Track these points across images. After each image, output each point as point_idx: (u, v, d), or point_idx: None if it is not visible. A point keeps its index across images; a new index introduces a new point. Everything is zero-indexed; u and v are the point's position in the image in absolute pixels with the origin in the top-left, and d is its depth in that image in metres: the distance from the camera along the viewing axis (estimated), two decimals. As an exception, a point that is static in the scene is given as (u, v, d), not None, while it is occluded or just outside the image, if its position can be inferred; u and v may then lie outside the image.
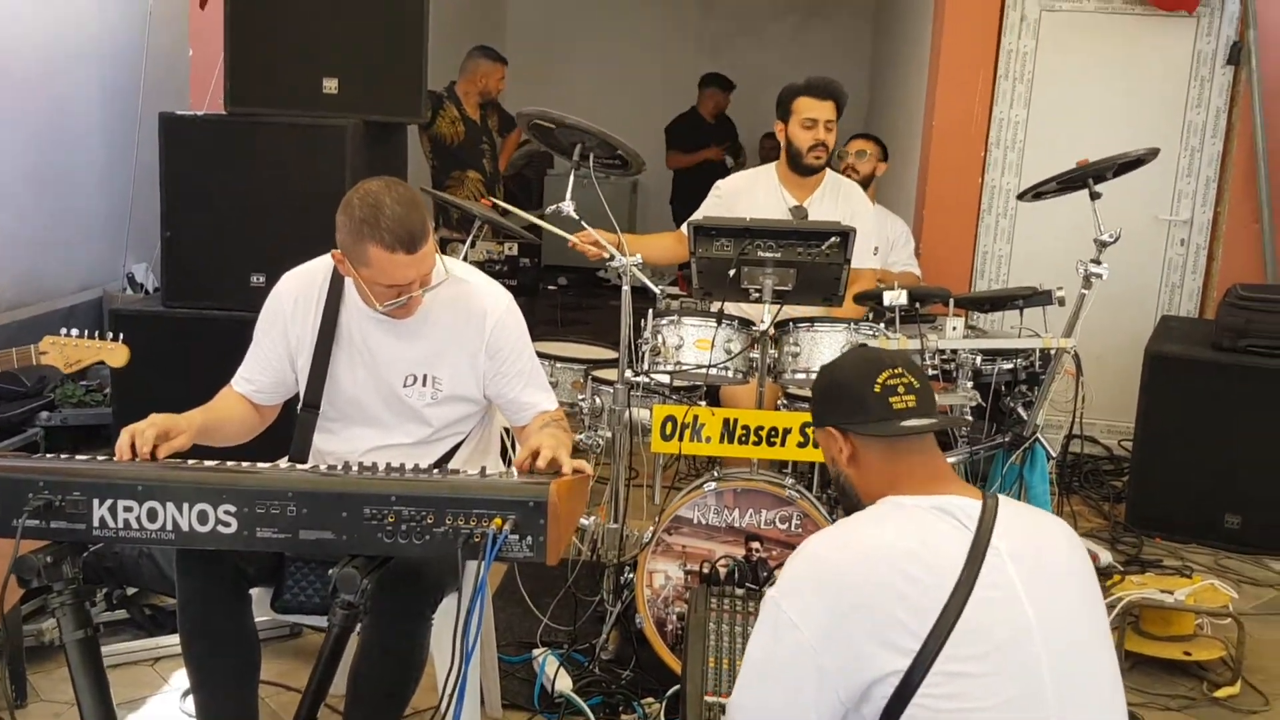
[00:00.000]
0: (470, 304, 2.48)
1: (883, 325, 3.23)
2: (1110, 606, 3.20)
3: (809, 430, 2.95)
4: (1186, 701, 3.18)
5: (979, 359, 3.34)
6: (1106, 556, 3.98)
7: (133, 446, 2.11)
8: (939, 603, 1.58)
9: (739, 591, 2.63)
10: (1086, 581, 1.74)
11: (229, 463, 2.07)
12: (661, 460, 3.46)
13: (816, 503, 3.02)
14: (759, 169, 4.10)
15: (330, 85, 3.63)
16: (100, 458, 2.11)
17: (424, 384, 2.47)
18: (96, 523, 1.94)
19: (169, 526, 1.94)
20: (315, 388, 2.49)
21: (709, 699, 2.31)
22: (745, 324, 3.14)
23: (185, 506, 1.93)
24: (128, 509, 1.93)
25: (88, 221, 5.41)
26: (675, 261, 3.94)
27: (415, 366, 2.47)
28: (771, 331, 3.09)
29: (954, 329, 3.28)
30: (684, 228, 3.19)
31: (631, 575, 3.06)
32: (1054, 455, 3.58)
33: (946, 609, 1.57)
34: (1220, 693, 3.20)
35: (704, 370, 3.07)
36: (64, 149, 5.19)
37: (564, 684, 2.90)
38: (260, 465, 2.08)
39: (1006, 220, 5.44)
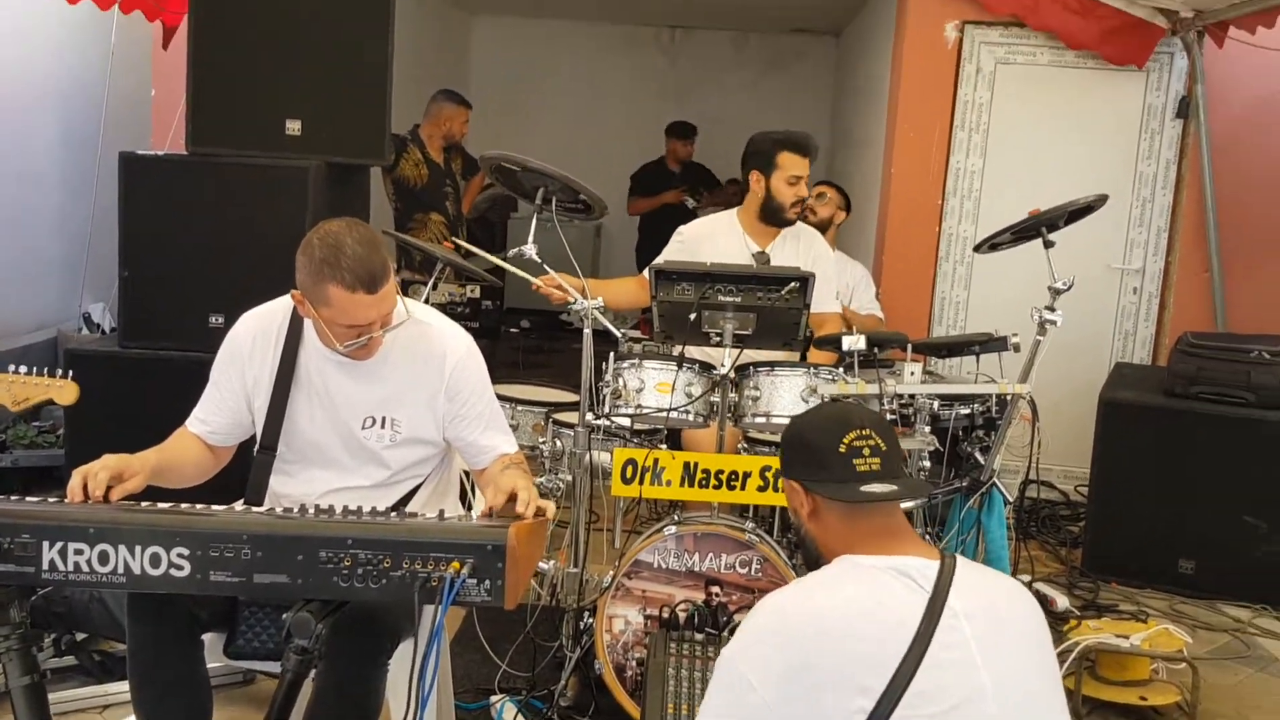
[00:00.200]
0: (430, 346, 2.48)
1: (842, 370, 3.26)
2: (1067, 651, 3.22)
3: (769, 474, 2.96)
4: (1142, 746, 3.20)
5: (937, 404, 3.37)
6: (1063, 601, 4.01)
7: (85, 488, 2.08)
8: (893, 664, 1.58)
9: (699, 637, 2.62)
10: (1041, 637, 1.75)
11: (183, 505, 2.05)
12: (622, 504, 3.46)
13: (777, 547, 3.02)
14: (721, 214, 4.13)
15: (293, 126, 3.63)
16: (51, 499, 2.08)
17: (383, 426, 2.46)
18: (46, 565, 1.91)
19: (120, 569, 1.91)
20: (272, 429, 2.47)
21: (668, 745, 2.30)
22: (706, 368, 3.16)
23: (138, 549, 1.90)
24: (78, 551, 1.90)
25: (44, 261, 5.35)
26: (637, 306, 3.95)
27: (374, 408, 2.46)
28: (732, 375, 3.10)
29: (912, 374, 3.31)
30: (646, 272, 3.20)
31: (591, 620, 3.04)
32: (1011, 500, 3.61)
33: (900, 670, 1.58)
34: (1176, 737, 3.23)
35: (665, 414, 3.08)
36: (22, 187, 5.15)
37: (522, 731, 2.87)
38: (215, 508, 2.06)
39: (964, 267, 5.52)
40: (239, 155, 3.62)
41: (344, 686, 2.17)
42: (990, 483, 3.48)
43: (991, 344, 3.50)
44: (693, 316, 3.06)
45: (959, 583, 1.67)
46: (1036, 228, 3.43)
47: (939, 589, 1.66)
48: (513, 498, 2.14)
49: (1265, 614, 4.17)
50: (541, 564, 3.24)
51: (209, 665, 2.32)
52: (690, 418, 3.12)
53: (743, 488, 2.98)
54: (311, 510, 2.05)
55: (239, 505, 2.40)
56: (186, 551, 1.90)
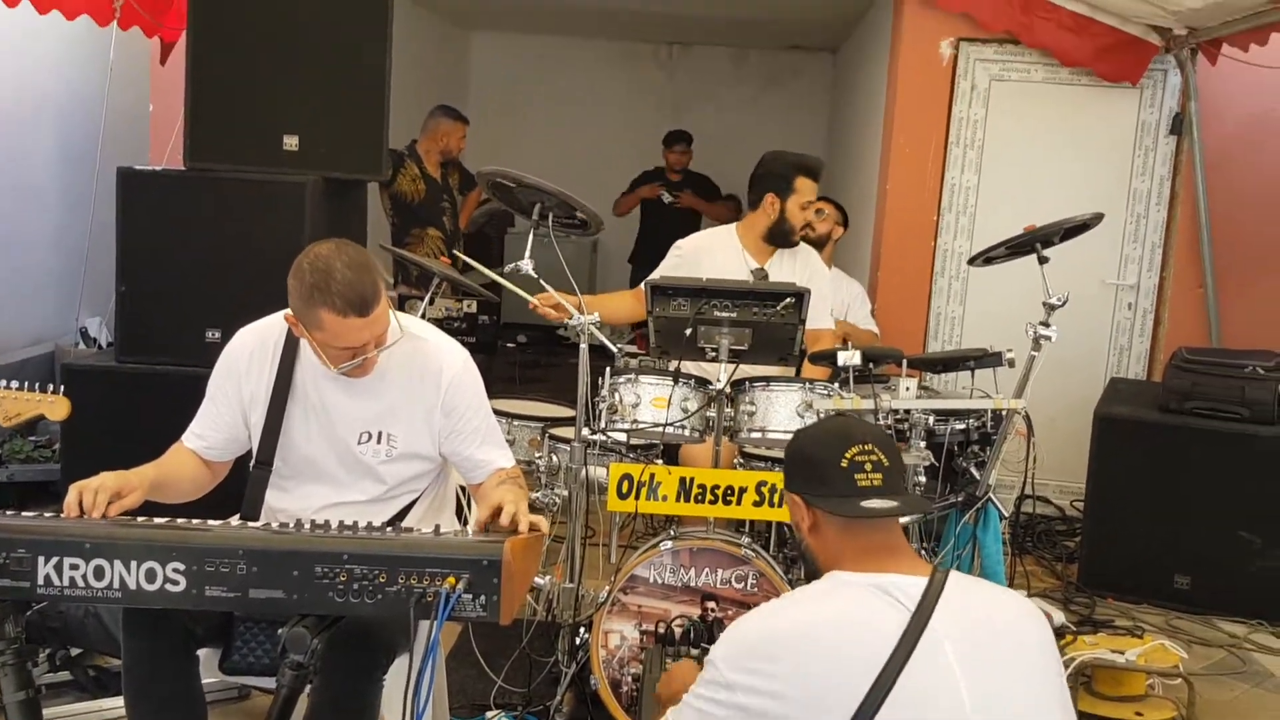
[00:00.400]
0: (426, 361, 2.48)
1: (837, 385, 3.26)
2: (1063, 666, 3.22)
3: (764, 489, 2.96)
4: (1139, 762, 3.20)
5: (932, 419, 3.38)
6: (1059, 617, 4.01)
7: (81, 503, 2.08)
8: (866, 682, 1.58)
9: (694, 652, 2.62)
10: (1041, 656, 1.71)
11: (179, 520, 2.05)
12: (618, 519, 3.46)
13: (772, 562, 3.03)
14: (719, 229, 4.14)
15: (291, 142, 3.64)
16: (47, 514, 2.08)
17: (379, 441, 2.46)
18: (42, 580, 1.91)
19: (116, 584, 1.91)
20: (268, 444, 2.47)
21: (663, 761, 2.30)
22: (702, 383, 3.17)
23: (133, 564, 1.90)
24: (74, 566, 1.91)
25: (41, 275, 5.36)
26: (635, 319, 3.96)
27: (370, 423, 2.46)
28: (728, 390, 3.11)
29: (907, 389, 3.32)
30: (642, 286, 3.22)
31: (587, 635, 3.04)
32: (1006, 515, 3.61)
33: (873, 689, 1.57)
34: (1172, 753, 3.22)
35: (660, 429, 3.08)
36: (20, 202, 5.15)
37: (517, 746, 2.87)
38: (211, 522, 2.06)
39: (959, 283, 5.54)
40: (237, 170, 3.63)
41: (339, 702, 2.17)
42: (986, 498, 3.49)
43: (986, 359, 3.51)
44: (688, 332, 3.07)
45: (947, 600, 1.66)
46: (1031, 243, 3.44)
47: (922, 608, 1.65)
48: (497, 513, 2.14)
49: (1261, 629, 4.17)
50: (537, 579, 3.23)
51: (204, 680, 2.31)
52: (686, 433, 3.13)
53: (738, 503, 2.99)
54: (307, 525, 2.05)
55: (235, 520, 2.40)
56: (182, 566, 1.90)
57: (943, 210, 5.49)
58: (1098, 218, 3.48)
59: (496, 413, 2.64)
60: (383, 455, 2.47)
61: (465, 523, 2.83)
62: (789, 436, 3.03)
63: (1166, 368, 4.62)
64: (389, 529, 2.16)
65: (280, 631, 1.98)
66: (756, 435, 3.14)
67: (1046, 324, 3.37)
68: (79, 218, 5.34)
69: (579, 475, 3.15)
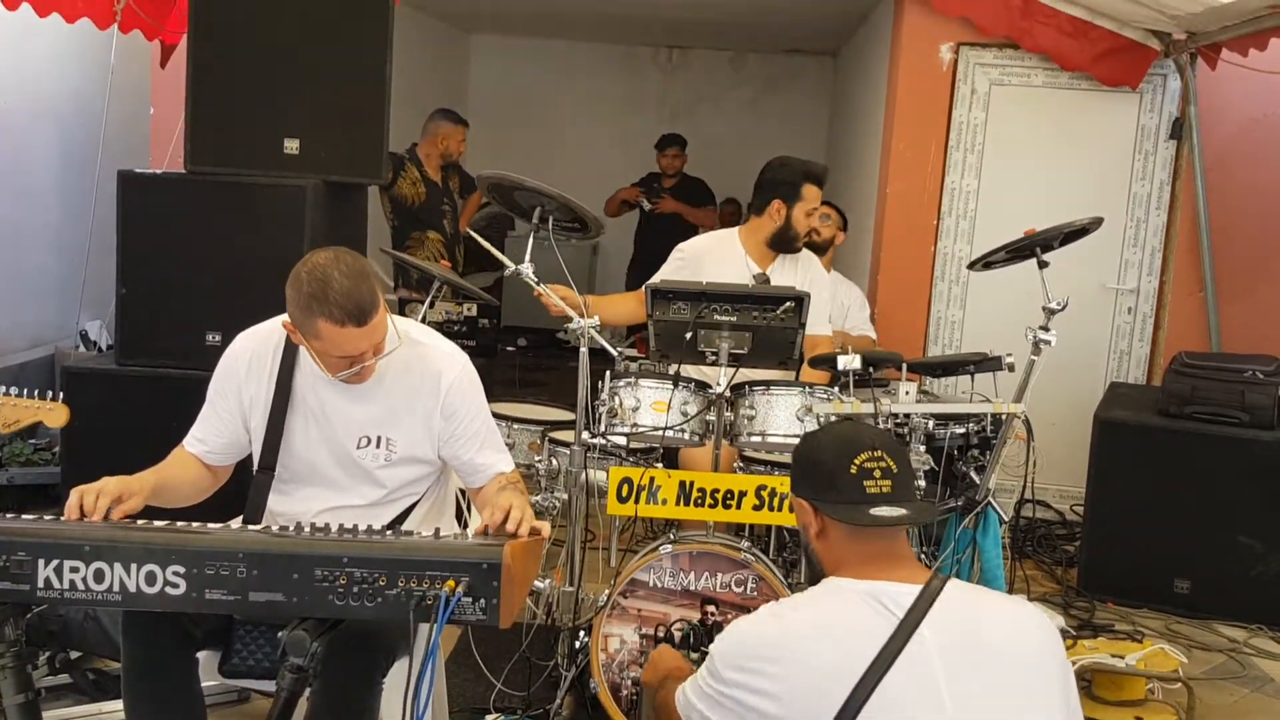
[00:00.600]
0: (425, 366, 2.48)
1: (837, 389, 3.27)
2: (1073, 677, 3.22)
3: (764, 493, 2.96)
4: (1138, 766, 3.20)
5: (932, 423, 3.38)
6: (1059, 621, 4.01)
7: (82, 506, 2.08)
8: (845, 689, 1.59)
9: (694, 656, 2.62)
10: (1042, 665, 1.69)
11: (178, 523, 2.05)
12: (618, 523, 3.46)
13: (772, 566, 3.03)
14: (722, 233, 4.14)
15: (291, 145, 3.64)
16: (48, 517, 2.08)
17: (378, 445, 2.46)
18: (41, 583, 1.91)
19: (116, 587, 1.91)
20: (270, 449, 2.47)
21: (663, 765, 2.29)
22: (702, 386, 3.17)
23: (133, 567, 1.90)
24: (74, 569, 1.90)
25: (42, 278, 5.36)
26: (636, 321, 3.95)
27: (369, 428, 2.46)
28: (728, 394, 3.11)
29: (907, 393, 3.32)
30: (643, 290, 3.22)
31: (586, 639, 3.04)
32: (1006, 519, 3.61)
33: (852, 695, 1.58)
34: (1171, 757, 3.22)
35: (660, 432, 3.08)
36: (20, 205, 5.16)
37: (517, 750, 2.87)
38: (210, 525, 2.06)
39: (959, 287, 5.54)
40: (237, 174, 3.63)
41: (339, 705, 2.17)
42: (985, 502, 3.49)
43: (986, 363, 3.51)
44: (689, 335, 3.07)
45: (940, 608, 1.66)
46: (1031, 248, 3.45)
47: (910, 615, 1.64)
48: (506, 515, 2.14)
49: (1261, 634, 4.17)
50: (537, 583, 3.23)
51: (204, 683, 2.32)
52: (686, 436, 3.13)
53: (738, 507, 2.99)
54: (307, 529, 2.05)
55: (236, 523, 2.40)
56: (182, 569, 1.90)
57: (943, 214, 5.49)
58: (1097, 222, 3.48)
59: (496, 416, 2.64)
60: (382, 460, 2.47)
61: (465, 526, 2.83)
62: (789, 440, 3.05)
63: (1166, 372, 4.63)
64: (389, 532, 2.15)
65: (280, 634, 1.97)
66: (756, 439, 3.14)
67: (1046, 328, 3.37)
68: (79, 221, 5.34)
69: (579, 479, 3.15)
